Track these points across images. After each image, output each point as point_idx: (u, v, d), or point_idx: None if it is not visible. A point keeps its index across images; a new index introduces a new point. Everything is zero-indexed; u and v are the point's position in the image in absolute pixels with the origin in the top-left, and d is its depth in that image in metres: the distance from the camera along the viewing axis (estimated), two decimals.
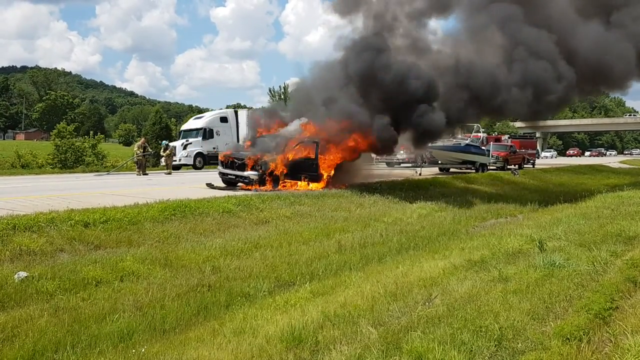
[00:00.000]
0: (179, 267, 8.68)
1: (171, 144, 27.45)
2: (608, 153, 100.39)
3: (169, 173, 24.14)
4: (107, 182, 18.31)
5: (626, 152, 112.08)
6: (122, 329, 6.17)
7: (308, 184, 16.96)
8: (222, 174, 17.56)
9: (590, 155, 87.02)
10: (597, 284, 6.23)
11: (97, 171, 24.85)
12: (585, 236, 9.58)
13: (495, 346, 4.45)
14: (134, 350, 5.33)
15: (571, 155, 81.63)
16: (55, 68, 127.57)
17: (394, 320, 5.43)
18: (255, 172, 16.22)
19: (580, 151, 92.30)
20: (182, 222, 11.00)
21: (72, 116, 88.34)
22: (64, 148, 29.06)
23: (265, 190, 15.82)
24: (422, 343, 4.49)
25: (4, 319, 6.21)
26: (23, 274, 7.35)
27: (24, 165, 27.30)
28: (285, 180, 16.85)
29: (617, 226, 10.34)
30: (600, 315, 5.01)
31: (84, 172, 24.28)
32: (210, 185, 17.17)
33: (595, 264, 7.14)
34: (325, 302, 6.58)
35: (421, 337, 4.68)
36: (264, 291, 7.87)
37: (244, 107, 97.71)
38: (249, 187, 16.33)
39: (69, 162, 28.56)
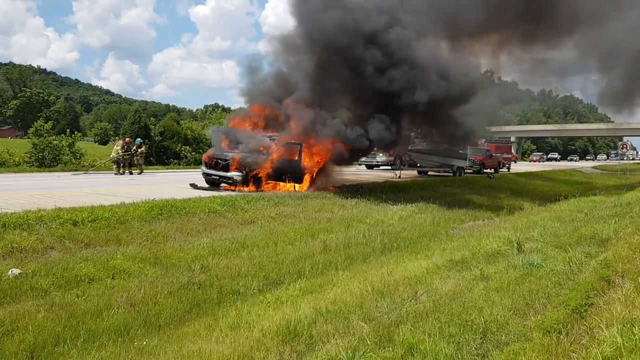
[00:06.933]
0: (168, 265, 8.84)
1: None
2: (569, 158, 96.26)
3: (140, 172, 23.83)
4: (90, 182, 18.25)
5: (588, 158, 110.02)
6: (119, 324, 6.34)
7: (294, 187, 17.18)
8: (205, 175, 17.63)
9: (531, 161, 76.35)
10: (573, 283, 6.57)
11: (76, 170, 24.61)
12: (561, 238, 9.96)
13: (480, 338, 4.74)
14: (136, 343, 5.51)
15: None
16: (30, 65, 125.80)
17: (383, 315, 5.68)
18: (239, 173, 16.33)
19: (517, 155, 76.54)
20: (169, 222, 11.12)
21: (48, 114, 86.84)
22: (41, 146, 28.63)
23: (249, 191, 15.99)
24: (413, 335, 4.77)
25: (2, 314, 6.33)
26: (16, 270, 7.45)
27: (0, 164, 26.84)
28: (269, 182, 17.05)
29: (590, 229, 10.74)
30: (577, 311, 5.34)
31: (62, 171, 24.06)
32: (193, 186, 17.26)
33: (571, 264, 7.49)
34: (316, 299, 6.82)
35: (411, 330, 4.95)
36: (253, 289, 8.10)
37: (222, 107, 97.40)
38: (232, 188, 16.46)
39: (46, 160, 28.13)
